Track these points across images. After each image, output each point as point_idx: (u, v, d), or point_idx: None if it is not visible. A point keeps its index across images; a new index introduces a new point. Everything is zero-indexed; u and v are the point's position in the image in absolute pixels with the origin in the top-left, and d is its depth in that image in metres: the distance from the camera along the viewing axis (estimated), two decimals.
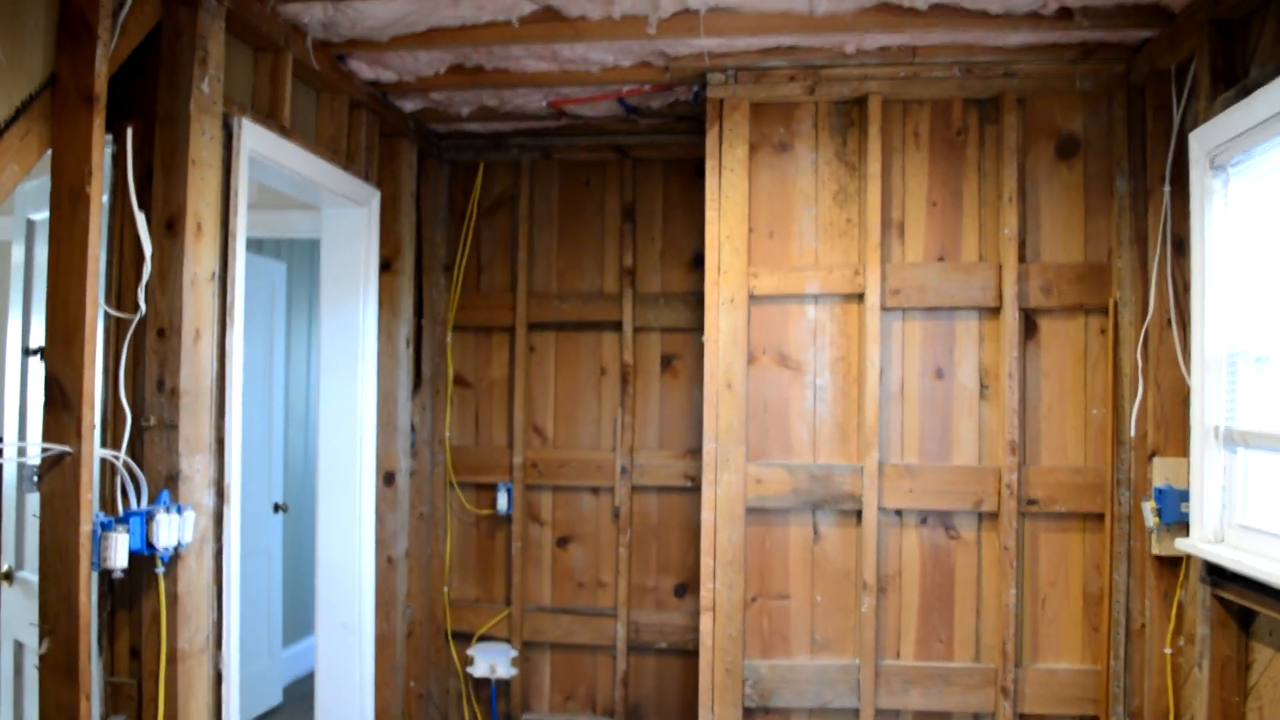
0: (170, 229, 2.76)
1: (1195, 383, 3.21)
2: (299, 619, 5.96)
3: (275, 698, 5.55)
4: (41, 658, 2.40)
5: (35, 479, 2.41)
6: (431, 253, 4.76)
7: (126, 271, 2.75)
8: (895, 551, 3.81)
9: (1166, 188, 3.45)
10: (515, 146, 4.78)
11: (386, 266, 4.32)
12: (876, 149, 3.79)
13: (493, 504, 4.77)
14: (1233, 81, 3.06)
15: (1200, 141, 3.17)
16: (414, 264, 4.55)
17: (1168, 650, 3.41)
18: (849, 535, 3.83)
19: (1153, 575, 3.47)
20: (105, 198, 2.70)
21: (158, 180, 2.77)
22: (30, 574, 2.99)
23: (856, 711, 3.78)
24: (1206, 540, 3.12)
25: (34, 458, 2.43)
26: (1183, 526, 3.31)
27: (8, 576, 3.18)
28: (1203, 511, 3.14)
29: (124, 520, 2.54)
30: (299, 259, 6.14)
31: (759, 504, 3.82)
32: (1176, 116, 3.41)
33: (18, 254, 3.26)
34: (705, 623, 3.82)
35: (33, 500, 2.57)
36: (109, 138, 2.67)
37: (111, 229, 2.75)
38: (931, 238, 3.83)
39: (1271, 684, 2.90)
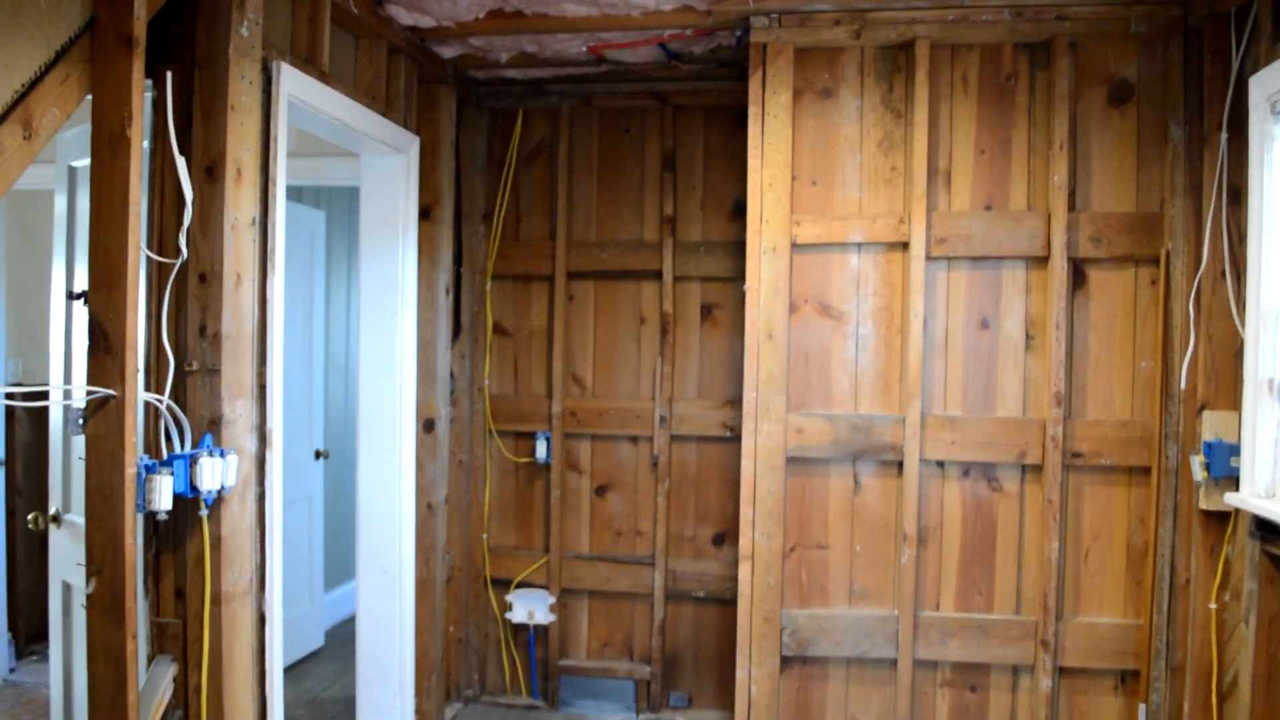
0: (210, 174, 2.75)
1: (1249, 335, 3.14)
2: (340, 564, 6.04)
3: (317, 641, 5.64)
4: (89, 597, 2.43)
5: (80, 422, 2.43)
6: (471, 201, 4.73)
7: (168, 217, 2.75)
8: (936, 503, 3.78)
9: (1223, 135, 3.35)
10: (555, 93, 4.73)
11: (426, 214, 4.31)
12: (923, 95, 3.71)
13: (531, 452, 4.78)
14: None
15: (1261, 86, 3.07)
16: (453, 212, 4.53)
17: (1213, 605, 3.37)
18: (890, 486, 3.80)
19: (1199, 530, 3.43)
20: (145, 144, 2.70)
21: (197, 125, 2.76)
22: (77, 517, 3.03)
23: (894, 662, 3.78)
24: (1258, 495, 3.06)
25: (79, 401, 2.45)
26: (1232, 481, 3.26)
27: (55, 519, 3.23)
28: (1254, 466, 3.09)
29: (168, 463, 2.56)
30: (338, 207, 6.15)
31: (799, 454, 3.80)
32: (1235, 61, 3.31)
33: (60, 202, 3.27)
34: (744, 571, 3.81)
35: (79, 444, 2.59)
36: (149, 83, 2.66)
37: (152, 175, 2.75)
38: (979, 186, 3.76)
39: None
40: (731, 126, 4.58)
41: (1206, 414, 3.40)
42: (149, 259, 2.71)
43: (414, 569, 4.15)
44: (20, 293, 5.39)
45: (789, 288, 3.80)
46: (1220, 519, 3.37)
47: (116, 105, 2.41)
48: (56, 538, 3.26)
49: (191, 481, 2.60)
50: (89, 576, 2.42)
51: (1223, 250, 3.37)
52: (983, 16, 3.67)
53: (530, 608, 4.72)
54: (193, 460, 2.60)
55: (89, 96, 2.44)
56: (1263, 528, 3.04)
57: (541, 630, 4.78)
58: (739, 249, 4.37)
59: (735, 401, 4.53)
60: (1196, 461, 3.38)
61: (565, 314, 4.75)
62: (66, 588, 3.22)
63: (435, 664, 4.38)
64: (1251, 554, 3.09)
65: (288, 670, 5.24)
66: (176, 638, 2.76)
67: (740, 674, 3.82)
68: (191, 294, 2.75)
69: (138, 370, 2.45)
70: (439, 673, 4.43)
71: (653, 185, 4.71)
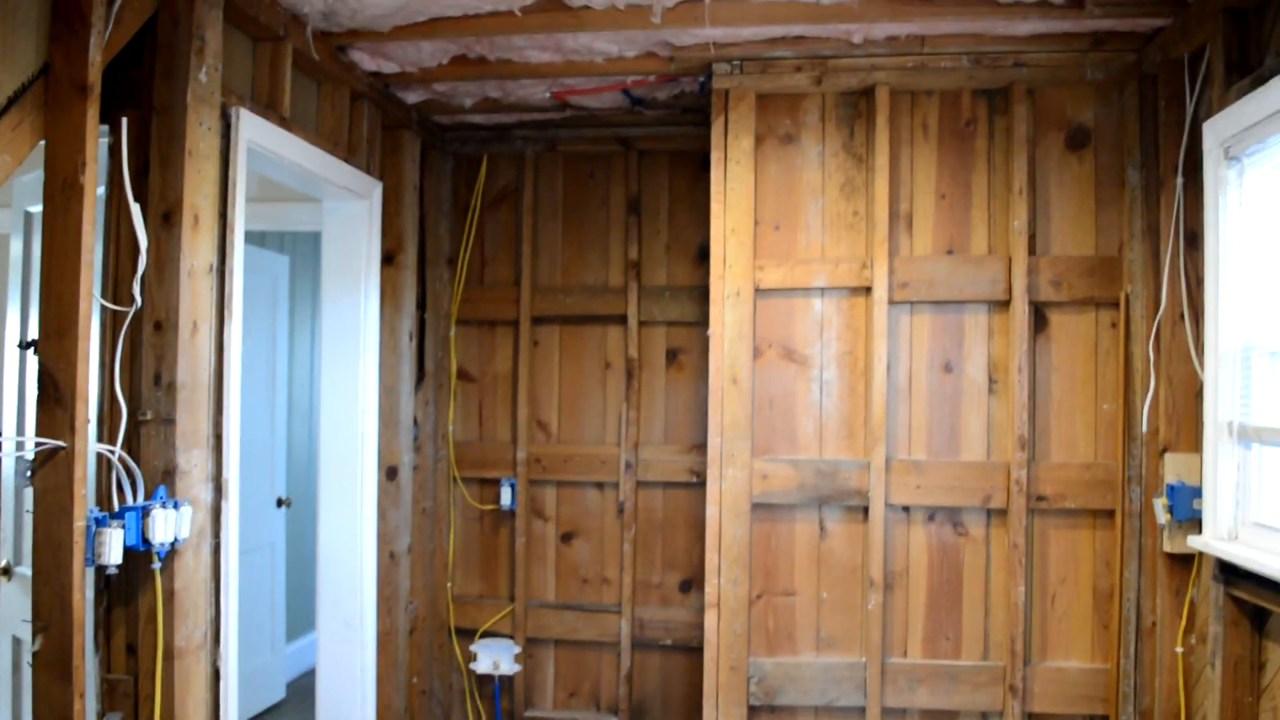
0: (167, 221, 2.72)
1: (1209, 377, 3.16)
2: (303, 614, 5.93)
3: (279, 693, 5.53)
4: (35, 655, 2.36)
5: (28, 474, 2.38)
6: (435, 246, 4.72)
7: (123, 264, 2.71)
8: (903, 548, 3.76)
9: (1179, 179, 3.39)
10: (519, 138, 4.74)
11: (389, 259, 4.28)
12: (884, 140, 3.74)
13: (496, 499, 4.73)
14: (1247, 70, 3.00)
15: (1214, 131, 3.11)
16: (417, 257, 4.51)
17: (1179, 649, 3.37)
18: (855, 532, 3.78)
19: (1164, 573, 3.42)
20: (101, 190, 2.66)
21: (154, 171, 2.73)
22: (28, 569, 2.96)
23: (863, 710, 3.74)
24: (1220, 538, 3.06)
25: (28, 453, 2.39)
26: (1195, 524, 3.26)
27: (6, 572, 3.15)
28: (1216, 508, 3.09)
29: (119, 516, 2.51)
30: (302, 252, 6.11)
31: (765, 499, 3.78)
32: (1190, 106, 3.35)
33: (16, 247, 3.23)
34: (710, 619, 3.78)
35: (29, 496, 2.54)
36: (105, 129, 2.63)
37: (107, 221, 2.72)
38: (940, 230, 3.78)
39: None
40: (696, 171, 4.60)
41: (1168, 456, 3.41)
42: (103, 307, 2.67)
43: (376, 619, 4.08)
44: None
45: (753, 332, 3.80)
46: (1185, 561, 3.37)
47: (70, 152, 2.38)
48: (7, 591, 3.19)
49: (144, 534, 2.54)
50: (35, 633, 2.36)
51: (1181, 293, 3.39)
52: (941, 64, 3.71)
53: (495, 658, 4.64)
54: (145, 512, 2.54)
55: (43, 142, 2.41)
56: (1226, 570, 3.04)
57: (507, 680, 4.70)
58: (704, 293, 4.37)
59: (701, 446, 4.51)
60: (1159, 504, 3.38)
61: (530, 359, 4.72)
62: (16, 643, 3.14)
63: (398, 716, 4.29)
64: (1216, 597, 3.09)
65: None
66: (128, 695, 2.68)
67: None
68: (146, 342, 2.70)
69: (88, 421, 2.41)
70: None
71: (618, 230, 4.71)
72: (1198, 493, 3.25)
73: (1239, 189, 3.07)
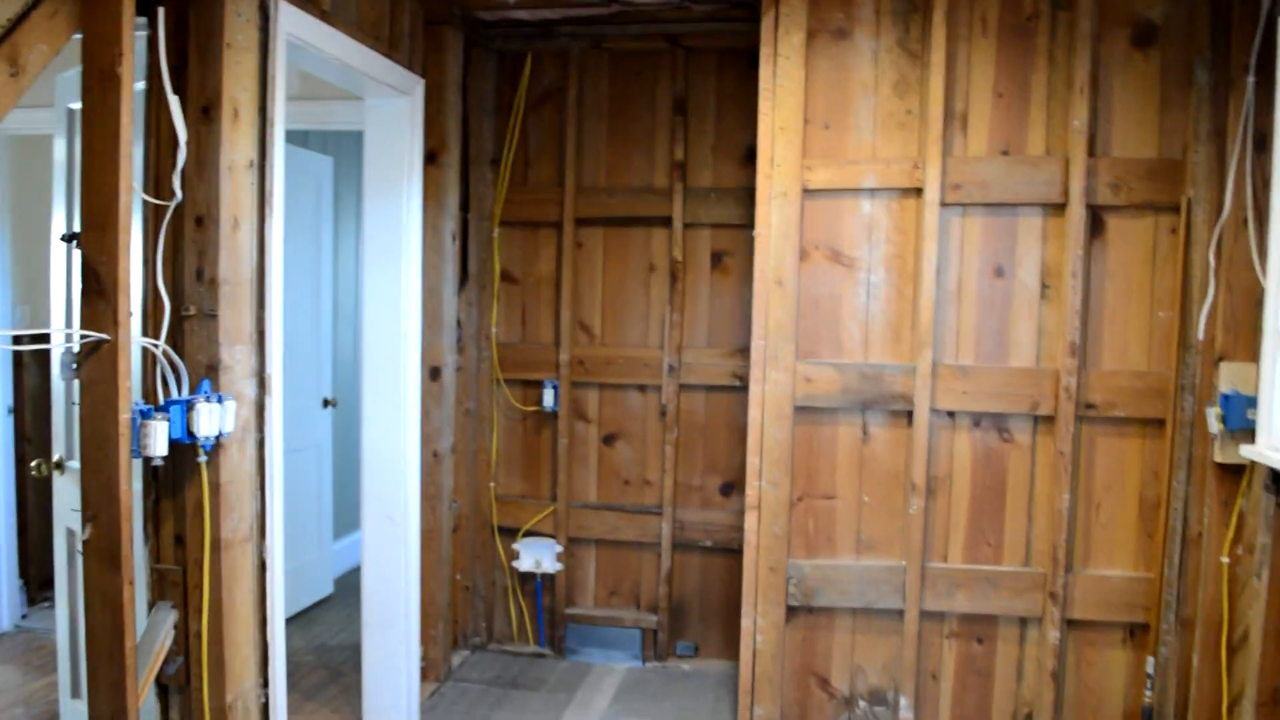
0: (206, 115, 2.69)
1: (1272, 284, 3.05)
2: (349, 513, 6.04)
3: (326, 588, 5.67)
4: (85, 543, 2.41)
5: (74, 367, 2.40)
6: (478, 145, 4.66)
7: (163, 158, 2.69)
8: (946, 453, 3.73)
9: (1251, 78, 3.26)
10: (564, 35, 4.63)
11: (432, 159, 4.24)
12: (941, 36, 3.61)
13: (539, 401, 4.75)
14: None
15: None
16: (460, 157, 4.47)
17: (1225, 559, 3.33)
18: (899, 436, 3.75)
19: (1214, 483, 3.38)
20: (140, 84, 2.63)
21: (193, 64, 2.69)
22: (79, 463, 3.02)
23: (901, 612, 3.75)
24: (1274, 447, 3.00)
25: (75, 345, 2.41)
26: (1248, 434, 3.20)
27: (59, 466, 3.21)
28: (1271, 418, 3.02)
29: (164, 409, 2.53)
30: (346, 153, 6.07)
31: (807, 403, 3.75)
32: (1266, 1, 3.19)
33: (59, 146, 3.22)
34: (750, 521, 3.79)
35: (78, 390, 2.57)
36: (142, 20, 2.59)
37: (147, 116, 2.69)
38: (996, 130, 3.66)
39: None
40: (744, 69, 4.49)
41: (1224, 365, 3.33)
42: (144, 201, 2.66)
43: (419, 517, 4.13)
44: (27, 239, 5.36)
45: (799, 234, 3.73)
46: (1235, 472, 3.32)
47: (107, 42, 2.35)
48: (60, 484, 3.25)
49: (189, 427, 2.57)
50: (84, 522, 2.40)
51: (1246, 198, 3.28)
52: None
53: (537, 556, 4.71)
54: (190, 406, 2.57)
55: (79, 36, 2.38)
56: (1278, 481, 2.98)
57: (548, 579, 4.78)
58: (750, 195, 4.30)
59: (744, 350, 4.48)
60: (1212, 413, 3.32)
61: (574, 261, 4.69)
62: (70, 534, 3.21)
63: (442, 611, 4.38)
64: (1266, 507, 3.04)
65: (297, 617, 5.27)
66: (177, 584, 2.74)
67: (746, 623, 3.80)
68: (188, 237, 2.70)
69: (131, 314, 2.41)
70: (445, 620, 4.43)
71: (663, 130, 4.62)
72: (1253, 402, 3.18)
73: None
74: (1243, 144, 3.28)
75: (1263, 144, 3.23)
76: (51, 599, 5.19)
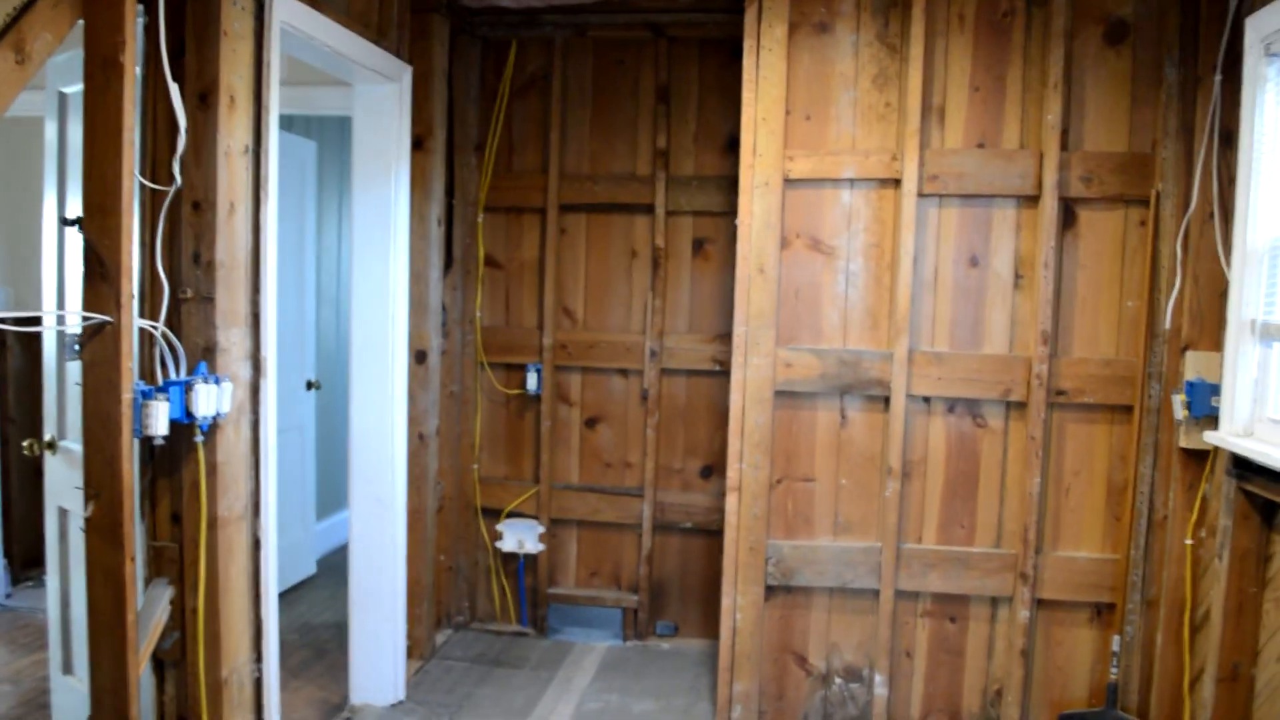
0: (203, 101, 2.74)
1: (1235, 276, 3.18)
2: (331, 494, 6.11)
3: (309, 569, 5.73)
4: (87, 521, 2.47)
5: (76, 348, 2.45)
6: (463, 132, 4.72)
7: (161, 144, 2.74)
8: (922, 438, 3.84)
9: (1217, 77, 3.36)
10: (549, 24, 4.69)
11: (418, 145, 4.29)
12: (919, 31, 3.69)
13: (522, 384, 4.82)
14: None
15: (1256, 28, 3.07)
16: (445, 143, 4.52)
17: (1189, 541, 3.45)
18: (876, 421, 3.85)
19: (1178, 467, 3.49)
20: (138, 70, 2.68)
21: (190, 52, 2.74)
22: (72, 443, 3.07)
23: (876, 592, 3.86)
24: (1235, 433, 3.12)
25: (74, 327, 2.47)
26: (1211, 420, 3.31)
27: (50, 445, 3.26)
28: (1234, 405, 3.14)
29: (164, 389, 2.59)
30: (329, 137, 6.11)
31: (787, 388, 3.85)
32: (1232, 2, 3.29)
33: (51, 129, 3.25)
34: (731, 502, 3.88)
35: (73, 371, 2.62)
36: (140, 8, 2.64)
37: (145, 102, 2.74)
38: (972, 123, 3.76)
39: None
40: (726, 60, 4.56)
41: (1190, 354, 3.45)
42: (142, 186, 2.70)
43: (406, 498, 4.20)
44: (8, 221, 5.37)
45: (781, 223, 3.82)
46: (1199, 457, 3.44)
47: (109, 30, 2.39)
48: (52, 464, 3.30)
49: (187, 408, 2.63)
50: (87, 500, 2.46)
51: (1212, 192, 3.39)
52: None
53: (520, 537, 4.79)
54: (188, 387, 2.63)
55: (80, 22, 2.42)
56: (1239, 465, 3.10)
57: (531, 559, 4.86)
58: (731, 184, 4.38)
59: (725, 336, 4.57)
60: (1178, 400, 3.43)
61: (557, 247, 4.76)
62: (62, 513, 3.26)
63: (426, 591, 4.45)
64: (1228, 491, 3.16)
65: (281, 596, 5.31)
66: (173, 561, 2.81)
67: (726, 602, 3.90)
68: (185, 222, 2.75)
69: (133, 296, 2.47)
70: (430, 599, 4.51)
71: (646, 118, 4.69)
72: (1216, 390, 3.29)
73: (1278, 87, 3.04)
74: (1210, 140, 3.39)
75: (1229, 140, 3.33)
76: (35, 578, 5.25)
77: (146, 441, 2.64)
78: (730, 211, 4.34)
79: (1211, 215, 3.39)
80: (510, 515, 4.86)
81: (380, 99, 4.01)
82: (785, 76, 3.78)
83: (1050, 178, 3.65)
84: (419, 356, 4.37)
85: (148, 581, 2.83)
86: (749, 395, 3.85)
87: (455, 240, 4.72)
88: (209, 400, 2.66)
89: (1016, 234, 3.75)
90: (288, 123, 5.51)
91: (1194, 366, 3.42)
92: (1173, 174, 3.56)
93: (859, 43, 3.79)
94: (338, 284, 6.28)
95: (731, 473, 3.87)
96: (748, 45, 3.79)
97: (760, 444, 3.85)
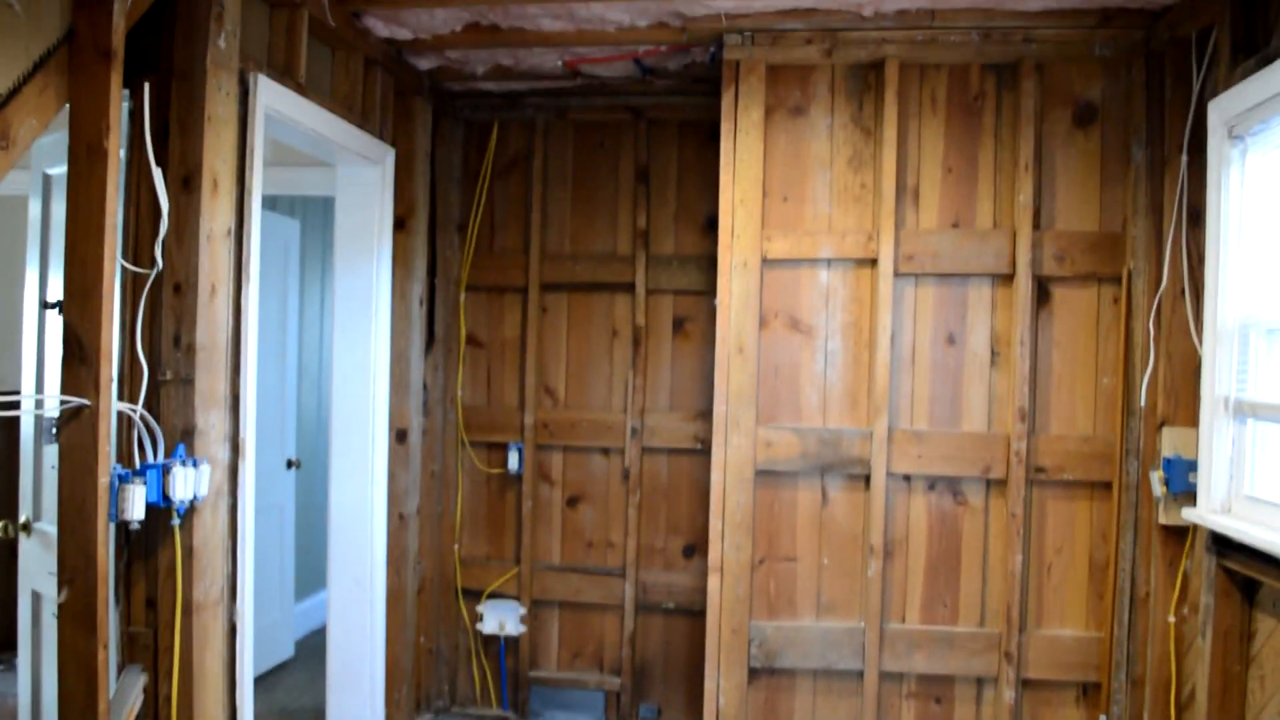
0: (187, 185, 2.77)
1: (1207, 353, 3.21)
2: (310, 574, 6.03)
3: (287, 651, 5.63)
4: (60, 607, 2.44)
5: (54, 431, 2.44)
6: (446, 212, 4.76)
7: (143, 227, 2.76)
8: (903, 516, 3.83)
9: (1184, 157, 3.43)
10: (530, 106, 4.77)
11: (400, 225, 4.33)
12: (893, 114, 3.77)
13: (504, 463, 4.80)
14: (1254, 50, 3.04)
15: (1219, 111, 3.15)
16: (428, 223, 4.56)
17: (1172, 619, 3.44)
18: (857, 499, 3.85)
19: (1159, 544, 3.50)
20: (122, 153, 2.71)
21: (174, 136, 2.78)
22: (47, 525, 3.03)
23: (860, 673, 3.82)
24: (1213, 510, 3.13)
25: (52, 410, 2.46)
26: (1190, 497, 3.33)
27: (25, 528, 3.22)
28: (1210, 482, 3.16)
29: (141, 473, 2.58)
30: (313, 216, 6.15)
31: (768, 467, 3.85)
32: (1196, 85, 3.38)
33: (34, 209, 3.28)
34: (713, 583, 3.85)
35: (50, 453, 2.61)
36: (126, 93, 2.68)
37: (129, 185, 2.77)
38: (946, 204, 3.82)
39: (1274, 654, 2.93)
40: (704, 141, 4.64)
41: (1166, 430, 3.47)
42: (124, 269, 2.72)
43: (385, 579, 4.16)
44: None
45: (759, 302, 3.85)
46: (1179, 534, 3.44)
47: (94, 116, 2.43)
48: (27, 547, 3.26)
49: (164, 491, 2.61)
50: (61, 585, 2.43)
51: (1182, 270, 3.44)
52: (951, 38, 3.74)
53: (501, 619, 4.74)
54: (165, 470, 2.61)
55: (66, 106, 2.46)
56: (1219, 542, 3.11)
57: (512, 641, 4.80)
58: (711, 262, 4.42)
59: (706, 414, 4.57)
60: (1156, 477, 3.45)
61: (538, 325, 4.78)
62: (36, 597, 3.21)
63: (406, 674, 4.39)
64: (1208, 568, 3.16)
65: (258, 680, 5.23)
66: (147, 647, 2.76)
67: (709, 685, 3.85)
68: (166, 304, 2.77)
69: (112, 380, 2.47)
70: (409, 683, 4.44)
71: (626, 198, 4.75)
72: (1193, 466, 3.31)
73: (1242, 168, 3.11)
74: (1178, 219, 3.45)
75: (1197, 219, 3.39)
76: (7, 661, 5.14)
77: (123, 526, 2.62)
78: (709, 290, 4.38)
79: (1183, 293, 3.44)
80: (491, 596, 4.80)
81: (363, 180, 4.06)
82: (762, 158, 3.85)
83: (1024, 256, 3.71)
84: (400, 435, 4.36)
85: (121, 668, 2.78)
86: (730, 474, 3.85)
87: (437, 319, 4.74)
88: (186, 483, 2.65)
89: (992, 312, 3.80)
90: (272, 202, 5.56)
91: (1171, 443, 3.45)
92: (1144, 252, 3.62)
93: (834, 125, 3.87)
94: (319, 362, 6.28)
95: (713, 553, 3.86)
96: (725, 128, 3.86)
97: (742, 524, 3.84)
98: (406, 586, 4.38)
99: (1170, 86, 3.53)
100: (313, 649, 5.70)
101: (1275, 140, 2.97)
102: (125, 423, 2.70)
